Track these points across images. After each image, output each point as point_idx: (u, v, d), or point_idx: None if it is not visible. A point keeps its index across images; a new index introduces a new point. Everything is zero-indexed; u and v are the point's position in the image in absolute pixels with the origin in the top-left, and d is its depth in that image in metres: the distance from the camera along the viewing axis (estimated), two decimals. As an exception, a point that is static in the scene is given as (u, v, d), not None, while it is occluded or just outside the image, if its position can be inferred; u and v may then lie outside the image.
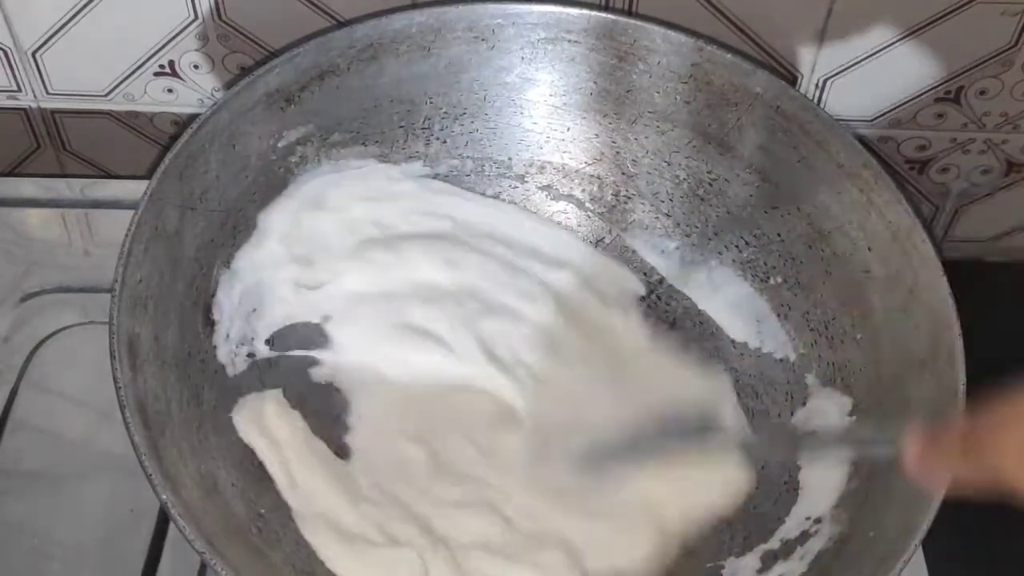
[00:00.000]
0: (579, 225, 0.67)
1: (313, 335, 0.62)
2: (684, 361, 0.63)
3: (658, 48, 0.61)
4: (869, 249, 0.58)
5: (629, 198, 0.66)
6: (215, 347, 0.58)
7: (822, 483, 0.57)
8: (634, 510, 0.58)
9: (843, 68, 0.66)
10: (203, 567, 0.58)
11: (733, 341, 0.64)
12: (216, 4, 0.64)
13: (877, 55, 0.65)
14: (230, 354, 0.58)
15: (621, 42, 0.62)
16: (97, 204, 0.70)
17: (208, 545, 0.47)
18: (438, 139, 0.65)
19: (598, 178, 0.66)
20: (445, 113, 0.64)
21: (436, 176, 0.65)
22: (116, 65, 0.67)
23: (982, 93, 0.67)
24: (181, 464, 0.51)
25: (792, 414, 0.61)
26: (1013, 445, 0.36)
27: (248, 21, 0.65)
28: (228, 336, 0.58)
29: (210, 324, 0.58)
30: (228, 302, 0.59)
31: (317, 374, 0.61)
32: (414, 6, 0.62)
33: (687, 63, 0.61)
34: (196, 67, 0.67)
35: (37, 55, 0.67)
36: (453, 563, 0.55)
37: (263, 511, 0.54)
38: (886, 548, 0.51)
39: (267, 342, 0.60)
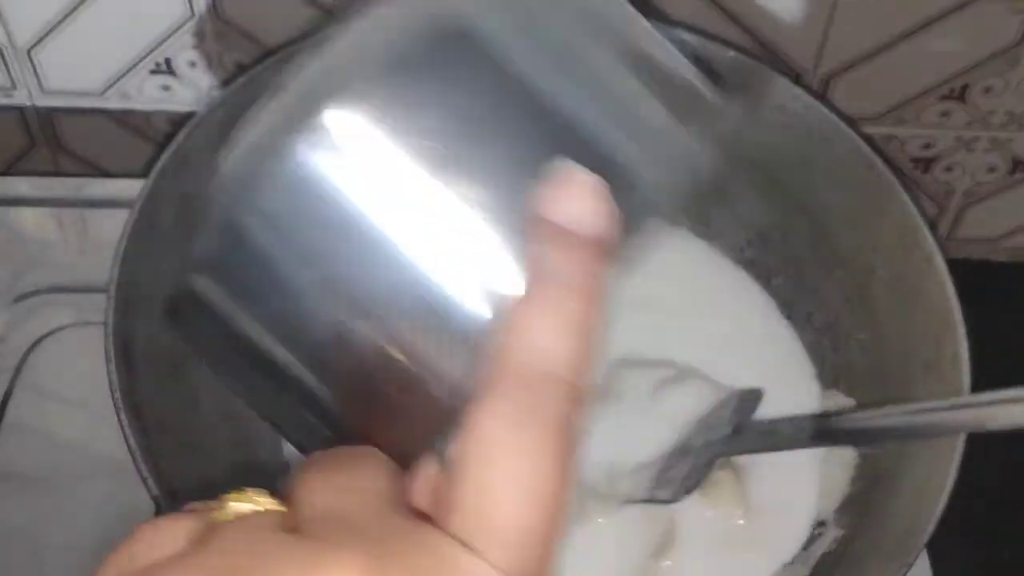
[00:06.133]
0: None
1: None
2: None
3: (659, 46, 0.61)
4: (873, 249, 0.58)
5: (630, 197, 0.65)
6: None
7: (826, 486, 0.57)
8: None
9: (847, 66, 0.65)
10: (200, 570, 0.57)
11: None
12: (213, 1, 0.63)
13: (881, 53, 0.65)
14: None
15: (622, 40, 0.61)
16: (92, 203, 0.70)
17: (204, 549, 0.47)
18: (437, 138, 0.64)
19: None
20: (444, 111, 0.64)
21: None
22: (112, 63, 0.67)
23: (987, 91, 0.66)
24: (177, 467, 0.50)
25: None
26: None
27: (245, 18, 0.65)
28: None
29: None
30: None
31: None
32: (413, 3, 0.61)
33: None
34: (193, 65, 0.67)
35: (32, 53, 0.66)
36: None
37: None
38: (890, 551, 0.50)
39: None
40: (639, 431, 0.58)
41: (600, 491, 0.56)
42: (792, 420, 0.55)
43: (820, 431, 0.53)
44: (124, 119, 0.70)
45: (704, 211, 0.64)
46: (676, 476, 0.55)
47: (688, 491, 0.54)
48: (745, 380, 0.58)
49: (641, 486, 0.56)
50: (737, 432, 0.55)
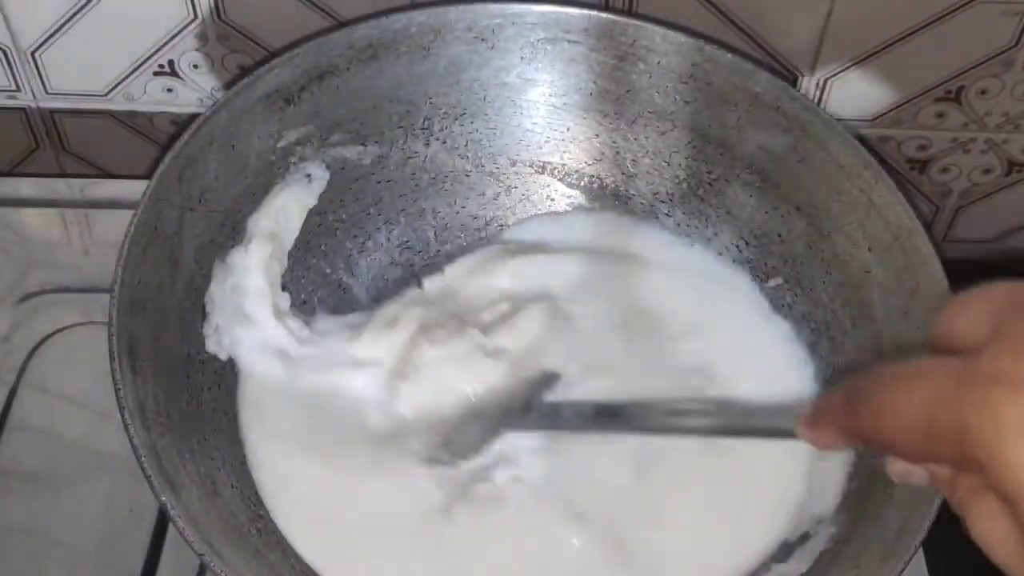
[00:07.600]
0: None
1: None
2: None
3: (658, 48, 0.61)
4: (870, 249, 0.58)
5: (629, 198, 0.66)
6: (205, 337, 0.57)
7: (823, 483, 0.57)
8: None
9: (844, 68, 0.66)
10: (202, 568, 0.58)
11: (733, 341, 0.64)
12: (216, 4, 0.64)
13: (878, 55, 0.65)
14: (217, 344, 0.58)
15: (621, 42, 0.62)
16: (96, 204, 0.70)
17: (207, 546, 0.47)
18: (438, 139, 0.65)
19: (598, 178, 0.66)
20: (445, 113, 0.64)
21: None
22: (115, 65, 0.67)
23: (983, 93, 0.67)
24: (180, 465, 0.51)
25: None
26: (889, 405, 0.36)
27: (248, 21, 0.65)
28: (217, 327, 0.57)
29: (202, 315, 0.57)
30: (220, 294, 0.58)
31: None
32: (414, 6, 0.62)
33: (687, 63, 0.61)
34: (196, 67, 0.67)
35: (36, 55, 0.67)
36: None
37: (263, 512, 0.54)
38: (886, 549, 0.51)
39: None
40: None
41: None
42: (574, 405, 0.57)
43: (598, 418, 0.55)
44: (128, 120, 0.71)
45: (702, 211, 0.64)
46: (462, 440, 0.57)
47: (467, 457, 0.56)
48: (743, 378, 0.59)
49: (428, 444, 0.57)
50: (527, 409, 0.57)
